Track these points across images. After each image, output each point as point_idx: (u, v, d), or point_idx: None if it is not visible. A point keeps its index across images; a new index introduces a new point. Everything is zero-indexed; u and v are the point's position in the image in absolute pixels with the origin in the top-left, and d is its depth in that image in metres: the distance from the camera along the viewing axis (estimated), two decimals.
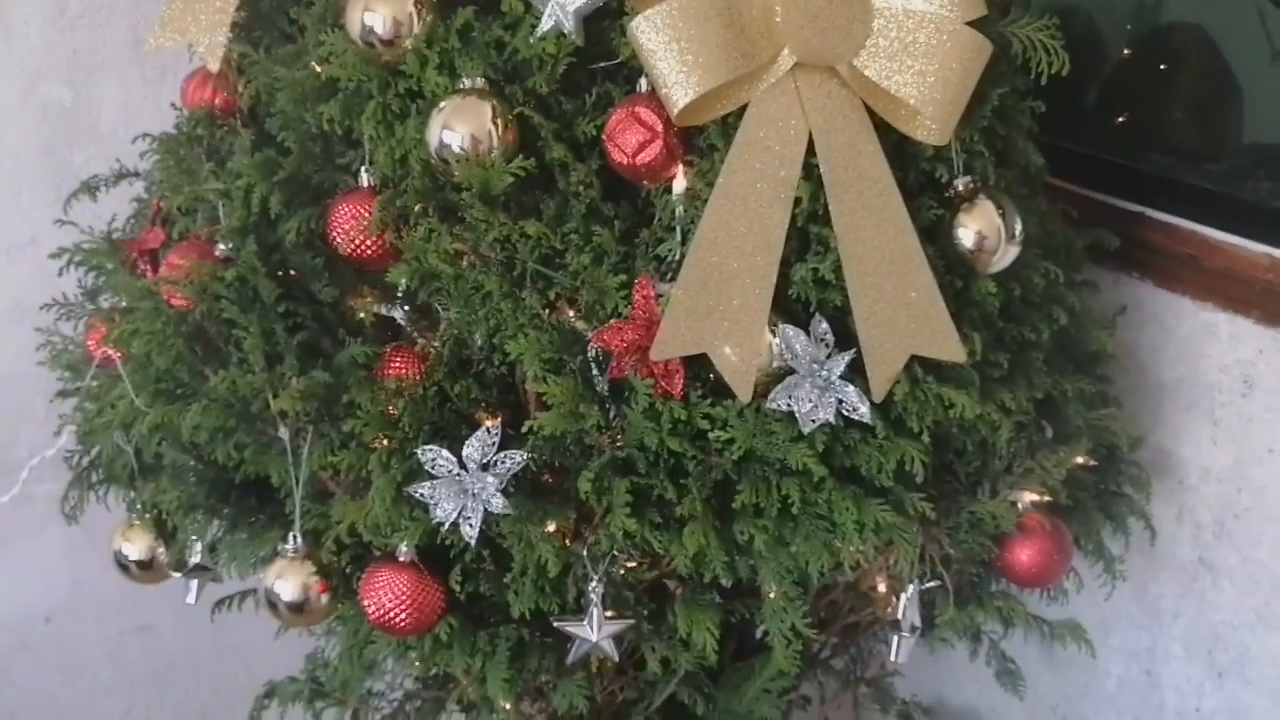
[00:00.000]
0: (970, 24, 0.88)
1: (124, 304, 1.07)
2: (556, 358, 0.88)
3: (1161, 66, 1.46)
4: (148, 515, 1.10)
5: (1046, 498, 1.06)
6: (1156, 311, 1.36)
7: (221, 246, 0.99)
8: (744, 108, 0.87)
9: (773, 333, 0.88)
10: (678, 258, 0.89)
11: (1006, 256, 0.95)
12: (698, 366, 0.88)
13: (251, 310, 0.96)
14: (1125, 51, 1.54)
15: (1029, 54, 0.93)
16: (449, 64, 0.90)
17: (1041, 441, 1.05)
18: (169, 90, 1.15)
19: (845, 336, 0.90)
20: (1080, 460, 1.10)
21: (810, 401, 0.87)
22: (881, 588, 1.08)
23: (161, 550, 1.10)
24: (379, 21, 0.89)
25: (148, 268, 1.06)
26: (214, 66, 1.02)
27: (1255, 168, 1.38)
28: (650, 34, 0.84)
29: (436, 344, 0.97)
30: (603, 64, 0.92)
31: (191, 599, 1.11)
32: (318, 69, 0.96)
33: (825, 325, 0.89)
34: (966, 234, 0.94)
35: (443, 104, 0.89)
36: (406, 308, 0.99)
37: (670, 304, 0.86)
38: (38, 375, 1.21)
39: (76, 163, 1.45)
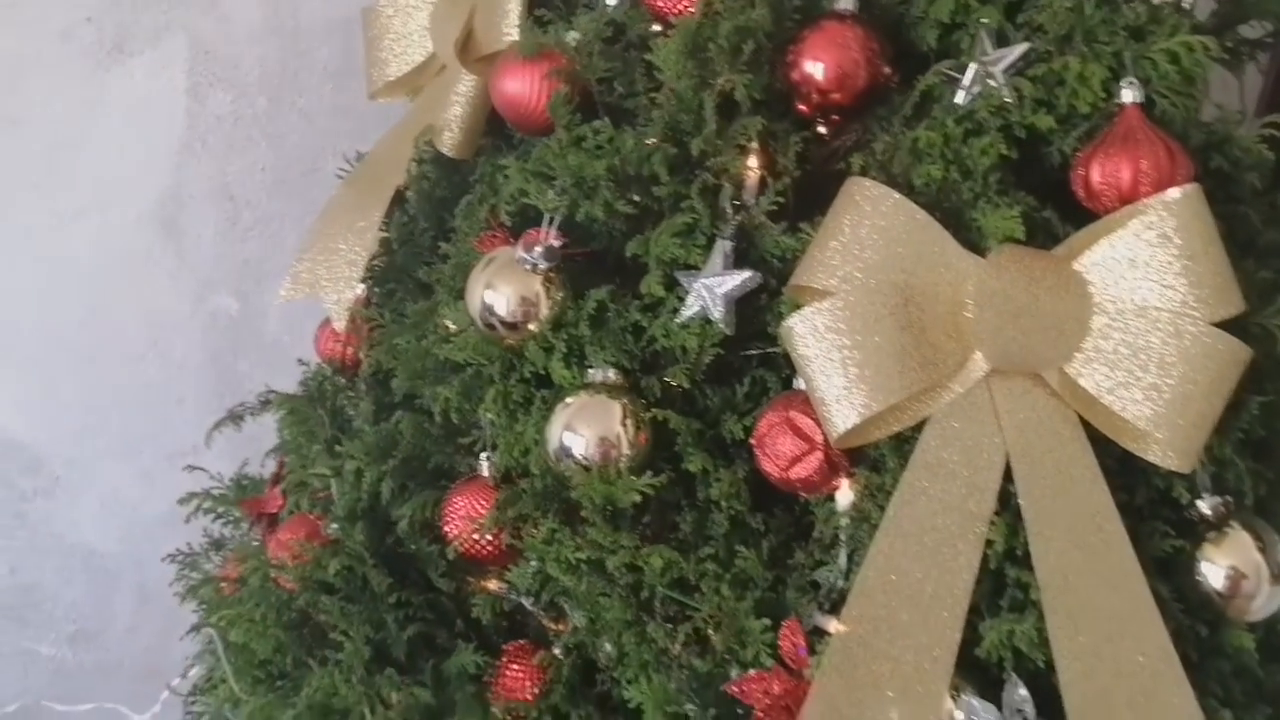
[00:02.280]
0: (1221, 324, 0.70)
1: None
2: (683, 713, 0.73)
3: None
4: None
5: None
6: None
7: (332, 527, 0.89)
8: (924, 421, 0.71)
9: (954, 700, 0.71)
10: (840, 586, 0.74)
11: (1272, 601, 0.75)
12: None
13: (360, 599, 0.86)
14: None
15: None
16: (578, 352, 0.78)
17: None
18: None
19: (1051, 700, 0.71)
20: None
21: None
22: None
23: None
24: (501, 302, 0.79)
25: (266, 533, 0.98)
26: (340, 325, 0.95)
27: None
28: (807, 338, 0.70)
29: (559, 650, 0.84)
30: (756, 350, 0.78)
31: None
32: (441, 333, 0.87)
33: (1024, 692, 0.71)
34: (1215, 572, 0.74)
35: (568, 400, 0.77)
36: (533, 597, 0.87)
37: (824, 661, 0.70)
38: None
39: (240, 370, 1.43)
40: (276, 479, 0.99)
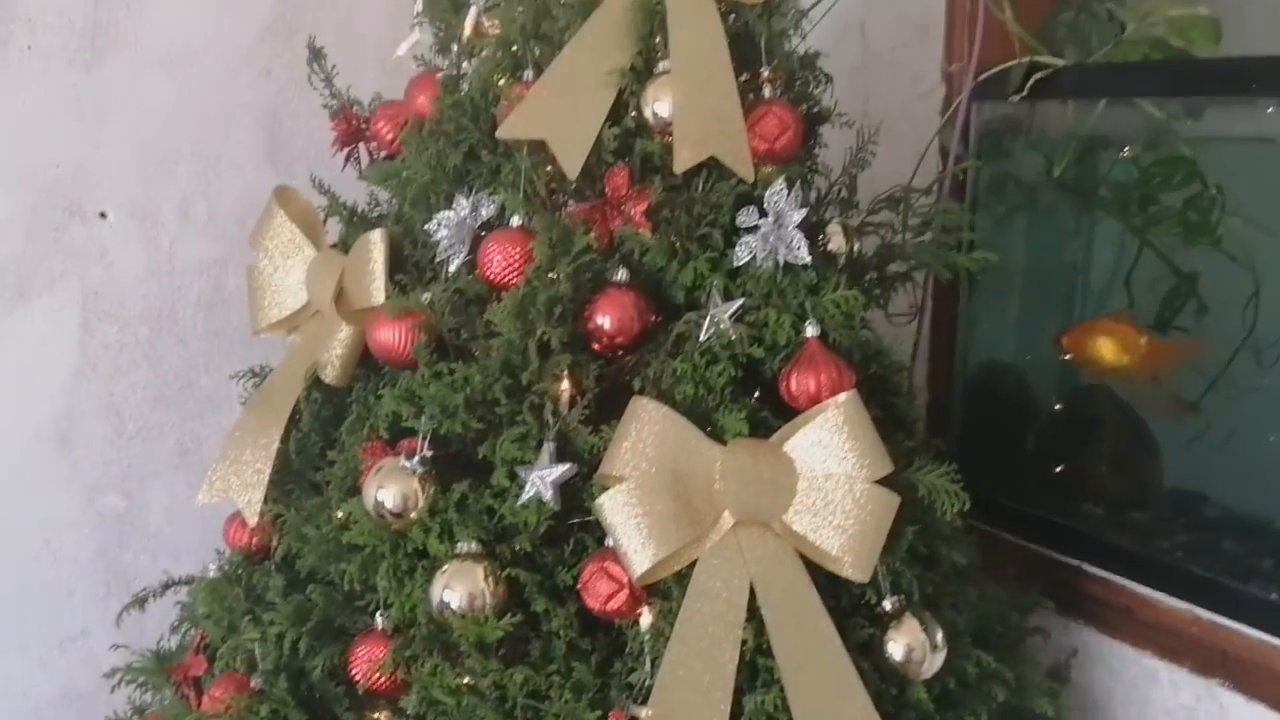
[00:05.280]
0: (880, 481, 1.06)
1: None
2: None
3: (1084, 424, 1.65)
4: None
5: None
6: (1104, 655, 1.48)
7: (257, 680, 1.14)
8: (695, 561, 1.04)
9: None
10: (647, 684, 1.04)
11: (934, 663, 1.10)
12: None
13: None
14: (1055, 407, 1.73)
15: (934, 495, 1.11)
16: (448, 531, 1.08)
17: None
18: None
19: None
20: None
21: None
22: None
23: None
24: (389, 497, 1.08)
25: (191, 693, 1.21)
26: (252, 521, 1.20)
27: (1175, 516, 1.54)
28: (613, 511, 1.02)
29: None
30: (577, 520, 1.09)
31: None
32: (339, 522, 1.14)
33: None
34: (896, 648, 1.09)
35: (444, 568, 1.06)
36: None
37: None
38: None
39: (126, 560, 1.63)
40: (199, 647, 1.23)
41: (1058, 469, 1.64)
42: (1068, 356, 1.54)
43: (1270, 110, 1.28)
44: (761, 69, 1.18)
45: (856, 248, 1.23)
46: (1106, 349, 1.46)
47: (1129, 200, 1.51)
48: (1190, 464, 1.53)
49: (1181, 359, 1.47)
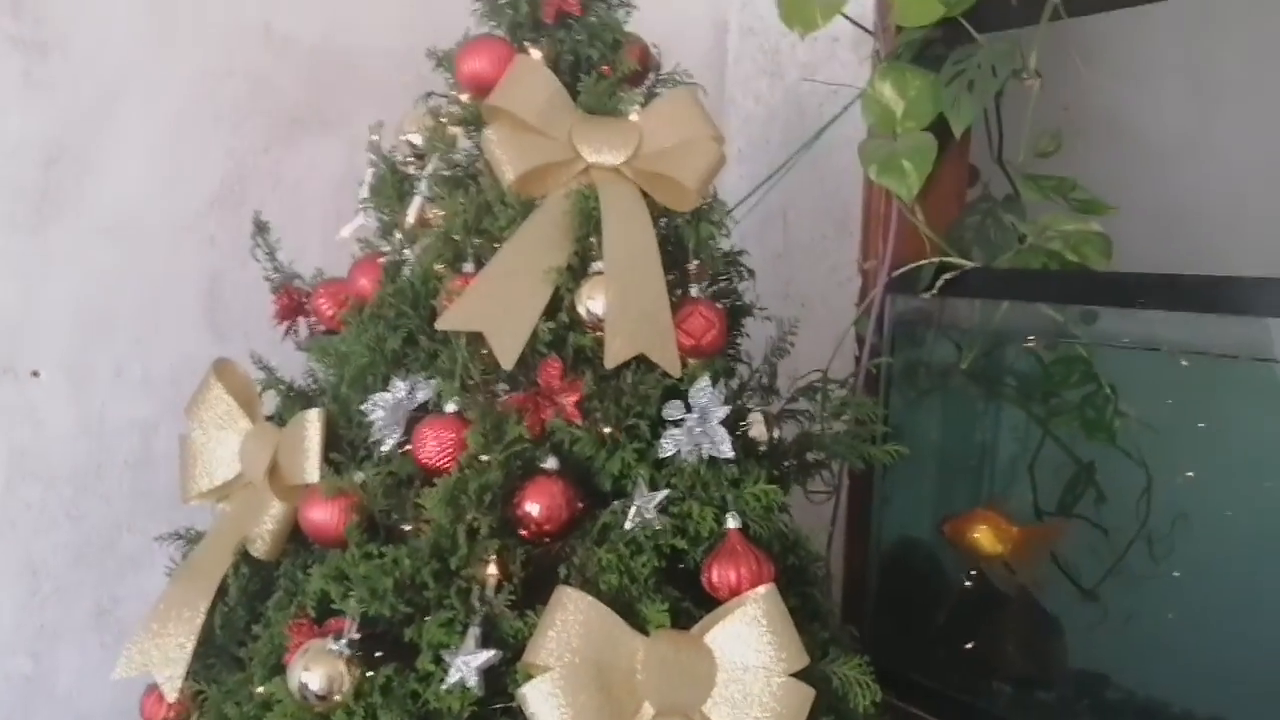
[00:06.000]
0: (797, 673, 1.10)
1: None
2: None
3: (990, 603, 1.71)
4: None
5: None
6: None
7: None
8: None
9: None
10: None
11: None
12: None
13: None
14: (964, 584, 1.79)
15: (847, 687, 1.15)
16: (373, 715, 1.09)
17: None
18: None
19: None
20: None
21: None
22: None
23: None
24: (315, 680, 1.09)
25: None
26: (171, 697, 1.20)
27: (1079, 697, 1.60)
28: (537, 700, 1.04)
29: None
30: (500, 705, 1.11)
31: None
32: (260, 699, 1.14)
33: None
34: None
35: None
36: None
37: None
38: None
39: None
40: None
41: (967, 647, 1.69)
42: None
43: (1155, 321, 1.39)
44: (689, 264, 1.26)
45: (777, 435, 1.30)
46: (983, 538, 1.54)
47: (1032, 392, 1.60)
48: (1092, 646, 1.59)
49: (1048, 542, 1.55)
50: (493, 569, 1.14)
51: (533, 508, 1.14)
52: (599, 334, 1.19)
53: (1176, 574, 1.48)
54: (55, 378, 1.59)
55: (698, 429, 1.17)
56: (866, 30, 1.65)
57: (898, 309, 1.65)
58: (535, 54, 1.28)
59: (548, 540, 1.16)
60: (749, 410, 1.29)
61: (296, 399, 1.34)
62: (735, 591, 1.12)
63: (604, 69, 1.31)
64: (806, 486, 1.39)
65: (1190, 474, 1.47)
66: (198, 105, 1.66)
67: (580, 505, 1.17)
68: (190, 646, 1.21)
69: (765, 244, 1.89)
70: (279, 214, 1.46)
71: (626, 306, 1.18)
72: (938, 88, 1.49)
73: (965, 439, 1.72)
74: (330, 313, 1.37)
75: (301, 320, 1.43)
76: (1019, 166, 1.56)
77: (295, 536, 1.26)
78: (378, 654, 1.11)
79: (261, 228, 1.43)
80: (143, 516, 1.64)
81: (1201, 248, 2.27)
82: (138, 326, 1.64)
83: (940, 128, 1.51)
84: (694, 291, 1.25)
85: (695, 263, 1.26)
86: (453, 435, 1.16)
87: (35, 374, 1.58)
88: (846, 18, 1.57)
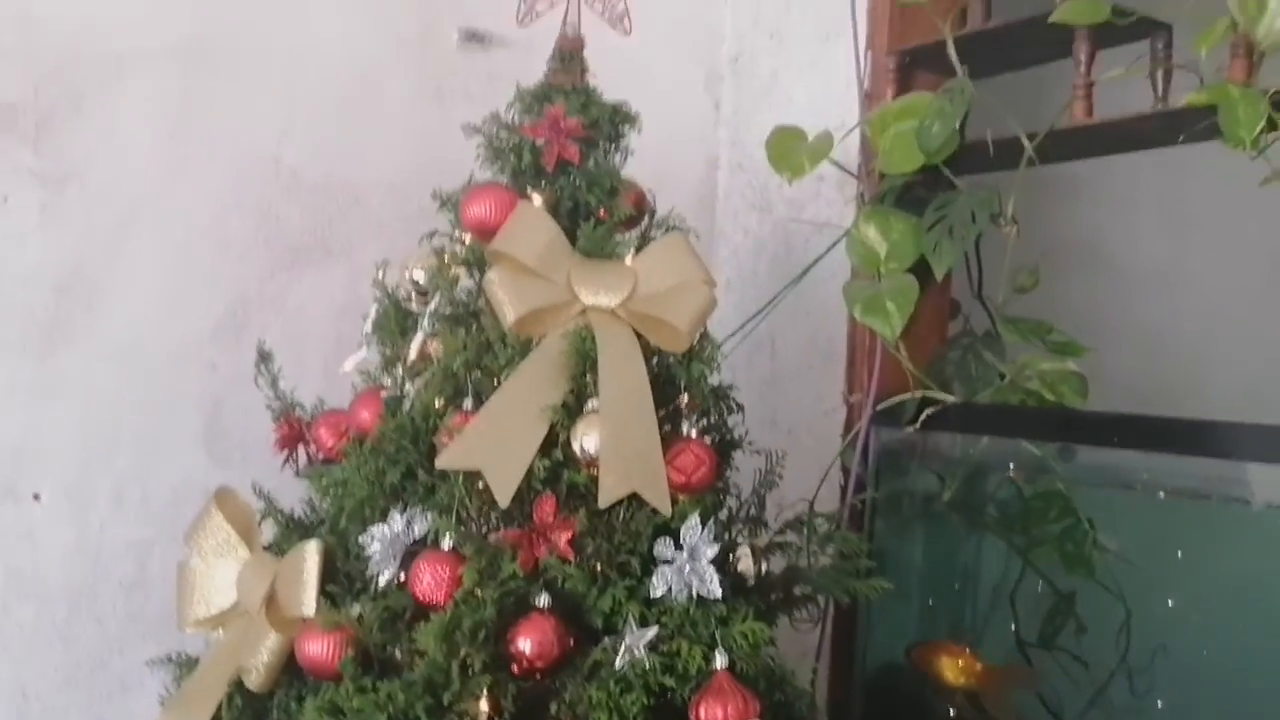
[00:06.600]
0: None
1: None
2: None
3: None
4: None
5: None
6: None
7: None
8: None
9: None
10: None
11: None
12: None
13: None
14: (950, 713, 1.80)
15: None
16: None
17: None
18: None
19: None
20: None
21: None
22: None
23: None
24: None
25: None
26: None
27: None
28: None
29: None
30: None
31: None
32: None
33: None
34: None
35: None
36: None
37: None
38: None
39: None
40: None
41: None
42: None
43: (1133, 458, 1.44)
44: (680, 399, 1.31)
45: (764, 568, 1.33)
46: (947, 669, 1.56)
47: (1013, 524, 1.64)
48: None
49: (1015, 682, 1.57)
50: (485, 704, 1.16)
51: (525, 644, 1.17)
52: (593, 471, 1.22)
53: (1160, 704, 1.50)
54: (56, 500, 1.62)
55: (687, 567, 1.20)
56: (851, 174, 1.73)
57: (882, 440, 1.69)
58: (536, 200, 1.34)
59: (539, 676, 1.18)
60: (737, 544, 1.33)
61: (295, 529, 1.37)
62: None
63: (601, 213, 1.37)
64: (793, 617, 1.41)
65: (1170, 604, 1.50)
66: (206, 235, 1.72)
67: (571, 642, 1.19)
68: None
69: (754, 369, 1.94)
70: (280, 340, 1.51)
71: (620, 445, 1.22)
72: (919, 232, 1.55)
73: (948, 569, 1.75)
74: (330, 443, 1.41)
75: (301, 447, 1.47)
76: (999, 306, 1.62)
77: (289, 667, 1.28)
78: None
79: (265, 356, 1.47)
80: (135, 639, 1.65)
81: (1175, 370, 2.34)
82: (139, 450, 1.67)
83: (922, 268, 1.57)
84: (685, 427, 1.29)
85: (685, 397, 1.31)
86: (448, 571, 1.19)
87: (36, 497, 1.60)
88: (833, 162, 1.65)
